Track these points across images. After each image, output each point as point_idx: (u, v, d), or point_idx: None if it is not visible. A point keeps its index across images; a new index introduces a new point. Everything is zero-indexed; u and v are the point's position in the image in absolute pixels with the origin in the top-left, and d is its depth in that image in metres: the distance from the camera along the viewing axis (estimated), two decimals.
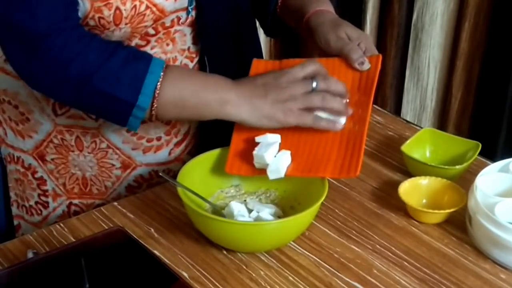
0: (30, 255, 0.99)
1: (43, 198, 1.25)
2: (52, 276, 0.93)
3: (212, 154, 1.12)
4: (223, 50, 1.22)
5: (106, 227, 1.07)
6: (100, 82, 1.01)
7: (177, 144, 1.23)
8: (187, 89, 1.05)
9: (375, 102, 2.18)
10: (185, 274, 0.99)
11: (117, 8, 1.03)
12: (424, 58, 2.07)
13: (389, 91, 2.16)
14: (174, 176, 1.05)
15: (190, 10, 1.13)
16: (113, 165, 1.21)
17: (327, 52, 1.14)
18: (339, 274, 1.00)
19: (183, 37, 1.16)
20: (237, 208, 1.06)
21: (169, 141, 1.22)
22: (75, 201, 1.24)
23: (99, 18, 1.04)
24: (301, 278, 0.99)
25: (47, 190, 1.24)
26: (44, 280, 0.93)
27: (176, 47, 1.15)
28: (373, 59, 1.11)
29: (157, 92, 1.02)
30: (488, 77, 1.99)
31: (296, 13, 1.23)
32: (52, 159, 1.21)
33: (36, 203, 1.26)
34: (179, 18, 1.12)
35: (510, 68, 1.90)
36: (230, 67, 1.24)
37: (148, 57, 1.04)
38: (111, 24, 1.05)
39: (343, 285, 0.98)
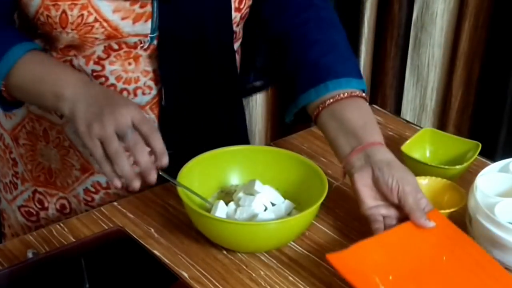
0: (30, 255, 0.99)
1: (14, 179, 1.27)
2: (52, 276, 0.93)
3: (212, 155, 1.11)
4: (186, 83, 1.15)
5: (106, 227, 1.07)
6: None
7: None
8: (28, 76, 1.03)
9: (375, 102, 2.18)
10: (185, 274, 0.99)
11: (64, 11, 1.03)
12: (424, 58, 2.06)
13: (389, 91, 2.16)
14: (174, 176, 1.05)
15: (151, 38, 1.09)
16: (73, 165, 1.20)
17: (381, 195, 1.02)
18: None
19: (148, 59, 1.12)
20: (221, 208, 1.05)
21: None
22: (40, 189, 1.24)
23: (47, 16, 1.04)
24: (301, 278, 0.99)
25: (17, 172, 1.26)
26: (44, 280, 0.93)
27: (139, 68, 1.12)
28: (432, 215, 1.02)
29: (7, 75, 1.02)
30: (488, 77, 1.99)
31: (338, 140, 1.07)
32: (23, 144, 1.22)
33: (10, 182, 1.28)
34: (141, 42, 1.10)
35: (510, 68, 1.90)
36: (193, 100, 1.17)
37: (8, 44, 1.03)
38: (57, 26, 1.04)
39: (343, 285, 0.98)
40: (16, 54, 1.03)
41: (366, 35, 2.15)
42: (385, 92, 2.17)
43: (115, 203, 1.14)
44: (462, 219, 1.09)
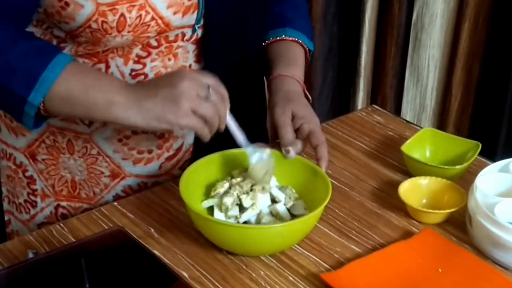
0: (30, 255, 0.99)
1: (32, 197, 1.24)
2: (52, 276, 0.93)
3: (214, 157, 1.11)
4: (226, 73, 1.17)
5: (106, 227, 1.07)
6: None
7: (169, 158, 1.20)
8: (77, 86, 1.00)
9: (375, 102, 2.17)
10: (185, 274, 0.99)
11: (122, 14, 1.02)
12: (424, 58, 2.07)
13: (389, 91, 2.17)
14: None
15: (197, 28, 1.11)
16: (102, 172, 1.19)
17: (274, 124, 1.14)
18: None
19: (186, 54, 1.14)
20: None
21: (160, 155, 1.19)
22: (63, 204, 1.22)
23: (103, 22, 1.02)
24: (301, 278, 0.99)
25: (36, 190, 1.23)
26: (44, 280, 0.93)
27: (177, 63, 1.13)
28: (425, 233, 1.06)
29: (51, 88, 0.99)
30: (488, 77, 1.99)
31: (269, 66, 1.23)
32: (43, 159, 1.20)
33: (25, 201, 1.25)
34: (183, 35, 1.11)
35: (510, 68, 1.90)
36: (233, 89, 1.21)
37: (52, 53, 1.01)
38: (113, 30, 1.03)
39: None
40: (61, 64, 1.00)
41: (367, 35, 2.15)
42: (385, 92, 2.17)
43: (115, 203, 1.14)
44: (462, 219, 1.09)
